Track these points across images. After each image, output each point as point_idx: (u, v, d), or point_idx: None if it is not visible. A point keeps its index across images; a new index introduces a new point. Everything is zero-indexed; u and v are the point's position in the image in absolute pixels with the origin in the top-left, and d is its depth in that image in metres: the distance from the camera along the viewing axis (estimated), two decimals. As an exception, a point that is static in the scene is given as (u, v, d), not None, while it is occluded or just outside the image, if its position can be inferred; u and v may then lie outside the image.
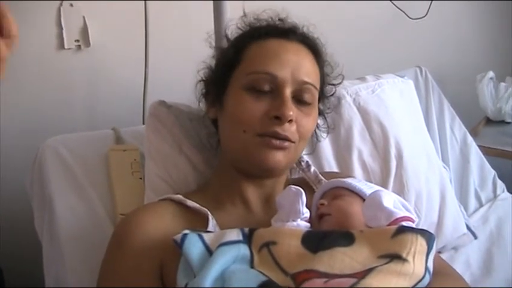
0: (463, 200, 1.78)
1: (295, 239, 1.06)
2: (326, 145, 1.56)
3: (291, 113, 1.15)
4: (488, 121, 2.28)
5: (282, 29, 1.26)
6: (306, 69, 1.21)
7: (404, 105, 1.69)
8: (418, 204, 1.57)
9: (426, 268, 1.03)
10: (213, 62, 1.33)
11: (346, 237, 1.06)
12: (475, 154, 1.87)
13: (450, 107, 1.92)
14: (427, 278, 1.04)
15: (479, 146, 1.92)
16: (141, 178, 1.49)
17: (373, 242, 1.04)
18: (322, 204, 1.18)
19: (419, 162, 1.62)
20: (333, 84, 1.36)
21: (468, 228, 1.67)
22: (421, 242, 1.03)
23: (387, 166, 1.56)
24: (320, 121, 1.35)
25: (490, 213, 1.77)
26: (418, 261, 1.01)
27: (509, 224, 1.76)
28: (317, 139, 1.41)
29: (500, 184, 1.84)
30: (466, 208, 1.77)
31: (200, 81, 1.34)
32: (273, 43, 1.22)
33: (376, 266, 0.99)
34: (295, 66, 1.19)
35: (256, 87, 1.18)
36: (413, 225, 1.10)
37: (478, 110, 2.32)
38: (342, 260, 1.01)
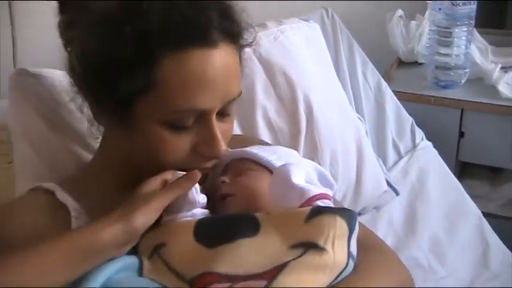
0: (380, 153, 1.64)
1: (187, 233, 0.87)
2: (225, 104, 1.36)
3: (224, 147, 0.95)
4: (401, 63, 2.13)
5: (200, 29, 0.91)
6: (235, 78, 0.96)
7: (311, 53, 1.53)
8: (333, 164, 1.44)
9: (349, 254, 0.86)
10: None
11: (249, 224, 0.87)
12: (391, 101, 1.72)
13: (361, 51, 1.75)
14: (351, 265, 0.87)
15: (393, 92, 1.77)
16: (10, 162, 1.28)
17: (283, 228, 0.86)
18: (223, 182, 0.98)
19: (332, 116, 1.48)
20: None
21: (389, 184, 1.54)
22: (340, 225, 0.85)
23: (296, 124, 1.41)
24: None
25: (410, 165, 1.64)
26: (338, 248, 0.84)
27: (431, 175, 1.64)
28: None
29: (419, 132, 1.71)
30: (384, 162, 1.63)
31: (73, 84, 1.01)
32: (195, 60, 0.90)
33: (289, 261, 0.81)
34: (225, 85, 0.94)
35: (179, 125, 0.93)
36: (331, 204, 0.92)
37: (390, 52, 2.17)
38: (247, 256, 0.83)
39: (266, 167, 0.99)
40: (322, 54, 1.58)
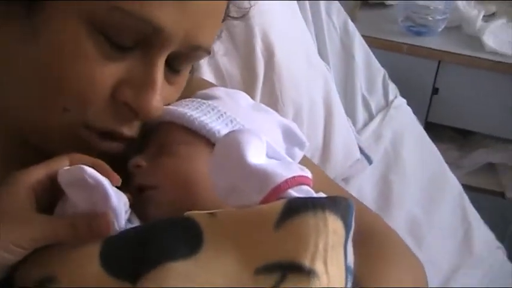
0: (348, 110, 1.32)
1: (89, 260, 0.53)
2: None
3: (159, 104, 0.63)
4: (365, 3, 1.82)
5: None
6: (211, 21, 0.65)
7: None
8: (297, 124, 1.09)
9: (347, 269, 0.55)
10: None
11: (184, 234, 0.54)
12: (360, 47, 1.41)
13: (324, -16, 1.42)
14: (349, 281, 0.56)
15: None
16: None
17: (241, 238, 0.53)
18: (138, 167, 0.64)
19: (297, 62, 1.16)
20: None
21: (361, 151, 1.23)
22: (334, 226, 0.53)
23: (252, 70, 1.09)
24: None
25: (384, 127, 1.33)
26: (333, 265, 0.53)
27: (406, 139, 1.35)
28: None
29: (393, 87, 1.41)
30: (353, 122, 1.32)
31: None
32: None
33: None
34: (201, 16, 0.62)
35: (113, 37, 0.59)
36: (311, 191, 0.59)
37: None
38: None
39: (203, 136, 0.65)
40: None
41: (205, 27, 0.64)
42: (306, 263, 0.51)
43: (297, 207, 0.53)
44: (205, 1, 0.62)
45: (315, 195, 0.58)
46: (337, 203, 0.55)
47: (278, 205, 0.53)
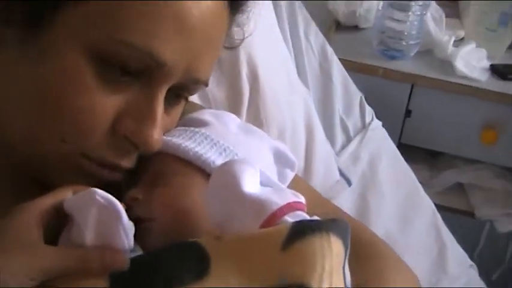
0: (327, 133, 1.35)
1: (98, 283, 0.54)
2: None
3: (159, 137, 0.64)
4: (338, 27, 1.85)
5: None
6: (211, 55, 0.66)
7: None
8: None
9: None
10: None
11: (191, 259, 0.55)
12: (338, 70, 1.44)
13: (303, 7, 1.45)
14: None
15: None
16: None
17: (248, 262, 0.55)
18: (135, 200, 0.65)
19: (280, 84, 1.18)
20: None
21: (340, 172, 1.26)
22: (337, 249, 0.56)
23: (237, 93, 1.10)
24: None
25: (361, 149, 1.36)
26: (337, 286, 0.55)
27: (383, 161, 1.38)
28: None
29: (369, 110, 1.44)
30: (332, 144, 1.34)
31: None
32: None
33: None
34: (202, 50, 0.64)
35: (114, 68, 0.60)
36: (305, 214, 0.61)
37: (322, 11, 1.88)
38: None
39: (197, 166, 0.66)
40: (266, 7, 1.25)
41: (206, 61, 0.65)
42: (314, 285, 0.53)
43: (303, 229, 0.55)
44: (206, 34, 0.63)
45: (305, 215, 0.60)
46: (337, 225, 0.57)
47: (283, 228, 0.55)
